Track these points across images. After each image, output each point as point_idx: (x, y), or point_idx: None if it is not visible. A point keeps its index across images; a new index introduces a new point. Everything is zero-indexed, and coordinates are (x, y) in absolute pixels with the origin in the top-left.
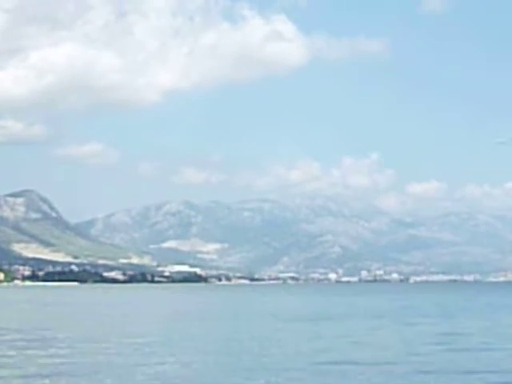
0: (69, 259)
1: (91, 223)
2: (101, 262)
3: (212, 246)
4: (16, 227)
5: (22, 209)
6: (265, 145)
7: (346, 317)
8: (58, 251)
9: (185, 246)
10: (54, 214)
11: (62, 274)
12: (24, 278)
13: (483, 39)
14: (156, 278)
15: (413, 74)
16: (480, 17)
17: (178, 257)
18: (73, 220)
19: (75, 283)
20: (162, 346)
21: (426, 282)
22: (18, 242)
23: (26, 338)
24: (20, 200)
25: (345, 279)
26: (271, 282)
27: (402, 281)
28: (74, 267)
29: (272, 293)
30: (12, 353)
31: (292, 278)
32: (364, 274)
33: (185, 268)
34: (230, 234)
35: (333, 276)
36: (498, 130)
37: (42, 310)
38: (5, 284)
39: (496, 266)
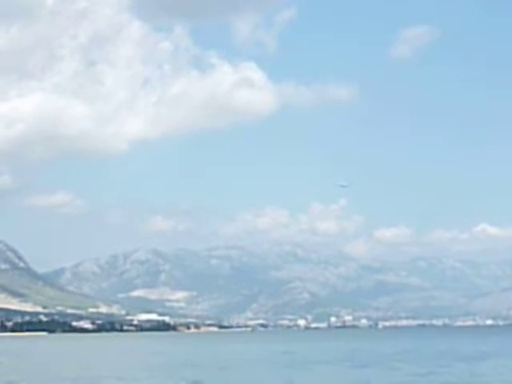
0: (38, 309)
1: (59, 273)
2: (69, 311)
3: (180, 294)
4: None
5: None
6: (232, 192)
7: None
8: (26, 301)
9: (153, 295)
10: (22, 264)
11: (31, 324)
12: None
13: (452, 84)
14: (125, 327)
15: (382, 120)
16: (448, 62)
17: (147, 305)
18: (41, 270)
19: (44, 333)
20: None
21: (395, 327)
22: None
23: None
24: None
25: (314, 325)
26: (240, 329)
27: (370, 326)
28: (42, 317)
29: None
30: None
31: (261, 325)
32: (333, 320)
33: (153, 316)
34: (198, 281)
35: (302, 322)
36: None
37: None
38: None
39: (464, 310)
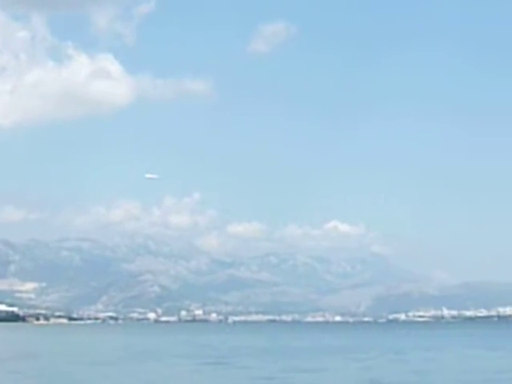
0: None
1: None
2: None
3: (30, 285)
4: None
5: None
6: (85, 183)
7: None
8: None
9: (2, 285)
10: None
11: None
12: None
13: (308, 78)
14: None
15: (237, 114)
16: (303, 58)
17: None
18: None
19: None
20: None
21: (245, 322)
22: None
23: None
24: None
25: (164, 319)
26: (90, 321)
27: (220, 321)
28: None
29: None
30: None
31: (111, 318)
32: (183, 313)
33: (2, 307)
34: (49, 272)
35: (152, 316)
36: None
37: None
38: None
39: (314, 306)
